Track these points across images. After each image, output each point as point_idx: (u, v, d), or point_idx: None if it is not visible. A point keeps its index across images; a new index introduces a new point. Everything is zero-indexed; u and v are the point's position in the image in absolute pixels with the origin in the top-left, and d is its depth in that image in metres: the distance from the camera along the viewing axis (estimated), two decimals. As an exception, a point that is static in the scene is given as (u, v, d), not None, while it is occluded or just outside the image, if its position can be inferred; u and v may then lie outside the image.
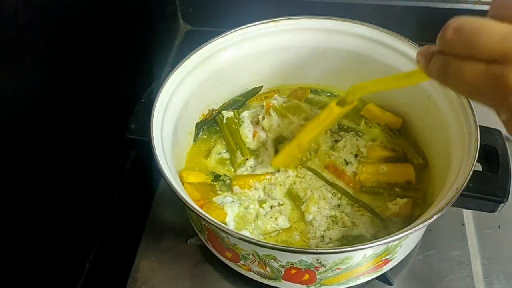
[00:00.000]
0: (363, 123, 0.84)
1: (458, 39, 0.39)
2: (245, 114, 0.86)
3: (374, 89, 0.68)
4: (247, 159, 0.81)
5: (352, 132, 0.83)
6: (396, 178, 0.77)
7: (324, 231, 0.72)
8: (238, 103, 0.88)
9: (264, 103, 0.85)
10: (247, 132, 0.83)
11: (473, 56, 0.38)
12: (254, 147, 0.82)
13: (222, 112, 0.85)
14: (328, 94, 0.91)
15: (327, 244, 0.71)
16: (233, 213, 0.73)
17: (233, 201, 0.74)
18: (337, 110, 0.71)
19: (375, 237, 0.71)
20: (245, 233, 0.71)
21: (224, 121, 0.84)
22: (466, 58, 0.39)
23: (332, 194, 0.76)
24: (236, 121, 0.84)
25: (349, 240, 0.71)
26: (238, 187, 0.76)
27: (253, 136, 0.83)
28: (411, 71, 0.55)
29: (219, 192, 0.77)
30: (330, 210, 0.74)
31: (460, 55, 0.39)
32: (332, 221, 0.73)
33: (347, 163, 0.79)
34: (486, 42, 0.37)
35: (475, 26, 0.38)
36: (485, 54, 0.37)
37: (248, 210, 0.74)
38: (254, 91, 0.90)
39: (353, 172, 0.78)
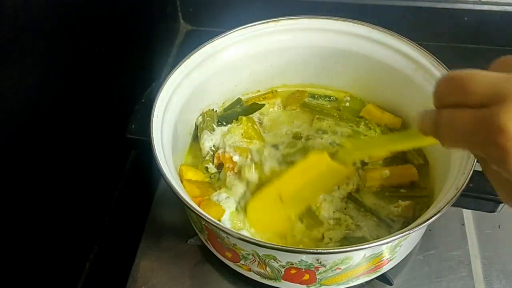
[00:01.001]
0: (362, 125, 0.84)
1: (451, 87, 0.40)
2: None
3: (371, 151, 0.65)
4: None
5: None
6: (400, 180, 0.76)
7: (324, 231, 0.72)
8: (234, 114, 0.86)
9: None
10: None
11: (465, 103, 0.38)
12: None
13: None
14: (326, 99, 0.90)
15: (326, 244, 0.71)
16: (230, 209, 0.73)
17: (228, 197, 0.74)
18: (325, 161, 0.66)
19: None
20: (245, 233, 0.71)
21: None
22: (458, 106, 0.39)
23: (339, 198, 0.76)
24: None
25: (351, 242, 0.71)
26: None
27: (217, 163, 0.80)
28: (411, 131, 0.53)
29: (217, 190, 0.77)
30: (334, 212, 0.74)
31: (452, 104, 0.39)
32: (335, 223, 0.73)
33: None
34: (477, 87, 0.37)
35: (467, 74, 0.38)
36: (476, 99, 0.37)
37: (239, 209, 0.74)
38: (252, 108, 0.87)
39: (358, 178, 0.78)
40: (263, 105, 0.87)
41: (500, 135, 0.35)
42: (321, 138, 0.82)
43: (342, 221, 0.73)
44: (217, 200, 0.73)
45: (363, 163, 0.79)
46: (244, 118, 0.82)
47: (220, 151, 0.79)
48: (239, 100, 0.89)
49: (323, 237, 0.72)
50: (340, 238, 0.71)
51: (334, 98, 0.90)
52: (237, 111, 0.86)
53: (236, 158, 0.77)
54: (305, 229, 0.73)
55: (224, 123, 0.84)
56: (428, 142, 0.49)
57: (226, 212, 0.72)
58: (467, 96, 0.38)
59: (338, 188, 0.76)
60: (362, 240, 0.71)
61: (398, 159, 0.80)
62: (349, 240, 0.71)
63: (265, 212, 0.72)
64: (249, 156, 0.78)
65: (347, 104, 0.87)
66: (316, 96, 0.91)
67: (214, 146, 0.80)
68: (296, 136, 0.83)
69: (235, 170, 0.77)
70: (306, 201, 0.73)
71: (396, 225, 0.73)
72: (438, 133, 0.42)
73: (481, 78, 0.37)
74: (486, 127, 0.36)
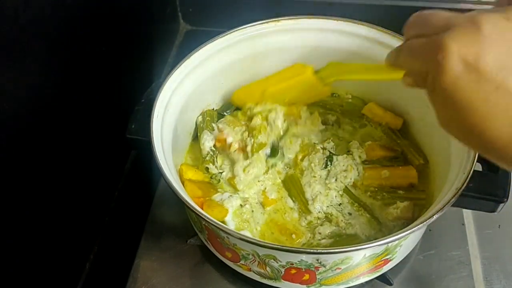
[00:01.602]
0: (364, 121, 0.85)
1: (416, 20, 0.48)
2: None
3: (349, 75, 0.70)
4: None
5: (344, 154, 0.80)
6: (399, 181, 0.76)
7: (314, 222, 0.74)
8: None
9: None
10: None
11: (424, 34, 0.45)
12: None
13: None
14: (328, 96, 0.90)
15: (319, 240, 0.71)
16: (233, 208, 0.73)
17: (231, 196, 0.74)
18: (308, 72, 0.73)
19: (369, 239, 0.71)
20: (246, 233, 0.71)
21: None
22: (418, 36, 0.46)
23: (335, 191, 0.76)
24: None
25: (343, 238, 0.71)
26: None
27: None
28: (382, 64, 0.58)
29: (219, 191, 0.77)
30: (327, 207, 0.74)
31: (415, 35, 0.47)
32: (326, 217, 0.74)
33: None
34: (434, 20, 0.45)
35: (430, 11, 0.46)
36: (433, 29, 0.44)
37: (244, 208, 0.74)
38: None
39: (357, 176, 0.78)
40: None
41: (439, 52, 0.41)
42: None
43: (333, 217, 0.74)
44: (220, 200, 0.74)
45: (364, 161, 0.79)
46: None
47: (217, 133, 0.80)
48: None
49: (314, 231, 0.73)
50: (328, 233, 0.72)
51: (336, 95, 0.90)
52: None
53: (230, 139, 0.78)
54: (298, 217, 0.75)
55: (225, 114, 0.86)
56: (392, 75, 0.56)
57: (229, 212, 0.72)
58: (426, 27, 0.45)
59: (336, 179, 0.76)
60: (354, 237, 0.71)
61: (397, 158, 0.80)
62: (341, 237, 0.71)
63: (246, 102, 0.81)
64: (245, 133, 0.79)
65: (350, 100, 0.89)
66: None
67: (214, 146, 0.80)
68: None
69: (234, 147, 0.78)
70: (284, 105, 0.80)
71: (395, 226, 0.73)
72: (397, 61, 0.51)
73: (439, 14, 0.45)
74: (432, 47, 0.42)
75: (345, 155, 0.79)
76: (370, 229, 0.72)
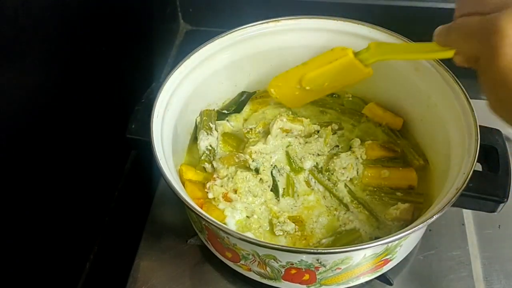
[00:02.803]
0: (364, 120, 0.85)
1: None
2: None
3: (393, 55, 0.69)
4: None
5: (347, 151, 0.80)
6: (398, 182, 0.76)
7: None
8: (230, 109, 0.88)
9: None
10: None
11: (477, 11, 0.44)
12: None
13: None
14: (328, 95, 0.90)
15: (319, 240, 0.72)
16: (234, 218, 0.73)
17: (233, 209, 0.74)
18: (349, 54, 0.72)
19: (369, 235, 0.72)
20: (249, 234, 0.71)
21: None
22: (471, 14, 0.45)
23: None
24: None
25: (343, 235, 0.71)
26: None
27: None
28: (430, 43, 0.58)
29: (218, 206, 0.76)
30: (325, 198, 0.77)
31: (468, 13, 0.45)
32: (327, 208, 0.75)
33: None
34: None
35: None
36: (487, 8, 0.42)
37: (251, 219, 0.74)
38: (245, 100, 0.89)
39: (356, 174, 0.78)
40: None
41: (495, 34, 0.40)
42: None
43: (332, 210, 0.75)
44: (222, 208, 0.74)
45: (364, 160, 0.79)
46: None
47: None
48: (243, 92, 0.89)
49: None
50: (325, 224, 0.73)
51: (336, 95, 0.90)
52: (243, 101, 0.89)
53: (210, 195, 0.75)
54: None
55: (226, 111, 0.86)
56: (441, 54, 0.55)
57: (228, 217, 0.72)
58: (481, 4, 0.44)
59: (332, 174, 0.77)
60: (353, 231, 0.72)
61: (397, 159, 0.80)
62: (340, 233, 0.72)
63: (283, 90, 0.81)
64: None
65: (350, 99, 0.89)
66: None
67: (210, 146, 0.80)
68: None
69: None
70: (323, 90, 0.80)
71: (394, 227, 0.73)
72: (449, 38, 0.49)
73: None
74: (486, 28, 0.41)
75: (349, 153, 0.79)
76: (369, 226, 0.72)
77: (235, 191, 0.75)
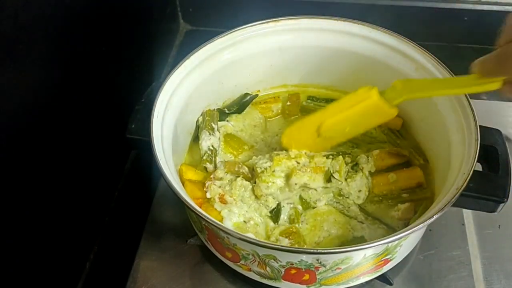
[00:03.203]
0: None
1: None
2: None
3: (423, 93, 0.63)
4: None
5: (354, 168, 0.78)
6: (407, 183, 0.76)
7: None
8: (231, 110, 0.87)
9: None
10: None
11: None
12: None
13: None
14: (325, 102, 0.89)
15: (325, 238, 0.71)
16: (231, 221, 0.72)
17: (230, 211, 0.73)
18: (374, 96, 0.65)
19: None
20: (249, 235, 0.70)
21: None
22: None
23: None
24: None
25: (349, 240, 0.71)
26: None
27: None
28: (467, 76, 0.53)
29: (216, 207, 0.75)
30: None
31: None
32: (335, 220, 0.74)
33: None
34: None
35: None
36: None
37: (247, 224, 0.73)
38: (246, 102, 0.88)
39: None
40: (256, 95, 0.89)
41: None
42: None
43: (345, 224, 0.73)
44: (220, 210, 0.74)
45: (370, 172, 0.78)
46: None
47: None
48: (246, 94, 0.89)
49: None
50: (338, 234, 0.72)
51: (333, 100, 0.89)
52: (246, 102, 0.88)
53: (208, 195, 0.75)
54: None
55: (227, 110, 0.86)
56: (488, 86, 0.50)
57: (225, 219, 0.72)
58: None
59: (348, 197, 0.75)
60: (361, 239, 0.71)
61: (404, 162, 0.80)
62: (347, 239, 0.71)
63: (299, 140, 0.74)
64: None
65: None
66: (315, 98, 0.90)
67: (212, 146, 0.80)
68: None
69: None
70: (343, 136, 0.73)
71: (398, 228, 0.73)
72: (505, 67, 0.44)
73: None
74: None
75: (360, 173, 0.76)
76: (380, 236, 0.71)
77: (231, 195, 0.74)
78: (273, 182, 0.73)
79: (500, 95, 0.49)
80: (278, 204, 0.75)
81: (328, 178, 0.75)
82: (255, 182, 0.75)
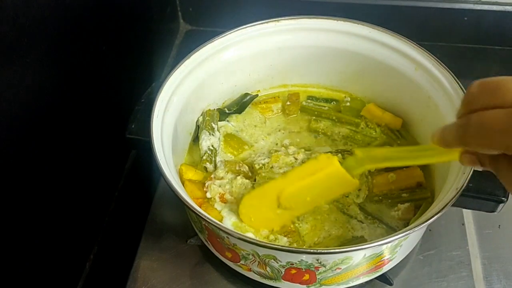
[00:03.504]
0: (362, 124, 0.84)
1: (483, 89, 0.42)
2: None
3: (386, 162, 0.61)
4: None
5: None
6: (407, 182, 0.75)
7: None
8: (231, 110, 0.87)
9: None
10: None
11: (496, 104, 0.40)
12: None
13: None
14: (325, 102, 0.89)
15: (325, 238, 0.71)
16: (230, 221, 0.72)
17: (230, 211, 0.73)
18: (334, 164, 0.63)
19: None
20: (249, 235, 0.70)
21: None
22: (488, 108, 0.41)
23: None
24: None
25: (348, 240, 0.71)
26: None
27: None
28: (427, 145, 0.53)
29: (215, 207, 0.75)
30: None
31: (481, 107, 0.41)
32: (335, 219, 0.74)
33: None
34: (507, 89, 0.40)
35: (499, 78, 0.41)
36: (508, 99, 0.40)
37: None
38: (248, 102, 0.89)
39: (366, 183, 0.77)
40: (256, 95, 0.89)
41: None
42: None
43: (345, 223, 0.73)
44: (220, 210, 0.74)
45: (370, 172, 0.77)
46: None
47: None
48: (246, 94, 0.89)
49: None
50: (339, 234, 0.72)
51: (334, 102, 0.89)
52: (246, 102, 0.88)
53: (208, 195, 0.75)
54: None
55: (227, 110, 0.86)
56: (448, 157, 0.49)
57: (225, 219, 0.72)
58: (499, 96, 0.40)
59: (347, 196, 0.75)
60: (360, 239, 0.71)
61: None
62: (346, 239, 0.71)
63: (258, 210, 0.70)
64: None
65: (348, 104, 0.87)
66: (314, 98, 0.90)
67: (212, 146, 0.80)
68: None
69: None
70: (304, 207, 0.70)
71: (397, 228, 0.73)
72: (465, 139, 0.43)
73: (510, 80, 0.40)
74: None
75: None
76: (380, 236, 0.71)
77: (231, 193, 0.74)
78: (271, 178, 0.73)
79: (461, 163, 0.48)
80: None
81: None
82: (255, 180, 0.76)
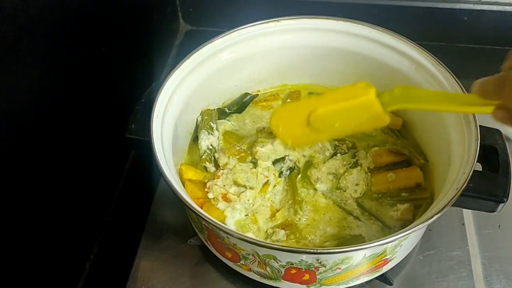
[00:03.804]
0: None
1: None
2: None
3: (421, 104, 0.60)
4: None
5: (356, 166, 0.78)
6: (406, 183, 0.76)
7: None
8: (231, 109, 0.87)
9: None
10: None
11: None
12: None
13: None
14: None
15: (321, 236, 0.71)
16: (233, 218, 0.73)
17: (233, 208, 0.73)
18: (371, 94, 0.62)
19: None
20: (250, 235, 0.71)
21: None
22: None
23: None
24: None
25: (347, 239, 0.71)
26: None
27: None
28: (466, 95, 0.53)
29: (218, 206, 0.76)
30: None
31: None
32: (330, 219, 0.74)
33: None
34: None
35: None
36: None
37: (248, 217, 0.73)
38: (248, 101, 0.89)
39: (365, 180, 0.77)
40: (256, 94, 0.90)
41: None
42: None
43: (341, 219, 0.74)
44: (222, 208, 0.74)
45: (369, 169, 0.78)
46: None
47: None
48: (246, 93, 0.89)
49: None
50: (334, 233, 0.72)
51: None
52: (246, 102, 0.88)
53: (210, 195, 0.75)
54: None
55: (227, 110, 0.86)
56: (482, 109, 0.49)
57: (227, 217, 0.72)
58: None
59: (345, 191, 0.76)
60: (358, 238, 0.71)
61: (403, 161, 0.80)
62: (344, 238, 0.71)
63: (288, 123, 0.71)
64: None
65: None
66: (316, 94, 0.90)
67: (211, 145, 0.80)
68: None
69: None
70: (331, 132, 0.69)
71: (395, 227, 0.72)
72: (503, 92, 0.43)
73: None
74: None
75: (359, 168, 0.77)
76: (377, 234, 0.72)
77: (235, 182, 0.74)
78: (268, 142, 0.76)
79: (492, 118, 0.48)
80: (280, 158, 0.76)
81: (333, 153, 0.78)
82: (252, 163, 0.77)
